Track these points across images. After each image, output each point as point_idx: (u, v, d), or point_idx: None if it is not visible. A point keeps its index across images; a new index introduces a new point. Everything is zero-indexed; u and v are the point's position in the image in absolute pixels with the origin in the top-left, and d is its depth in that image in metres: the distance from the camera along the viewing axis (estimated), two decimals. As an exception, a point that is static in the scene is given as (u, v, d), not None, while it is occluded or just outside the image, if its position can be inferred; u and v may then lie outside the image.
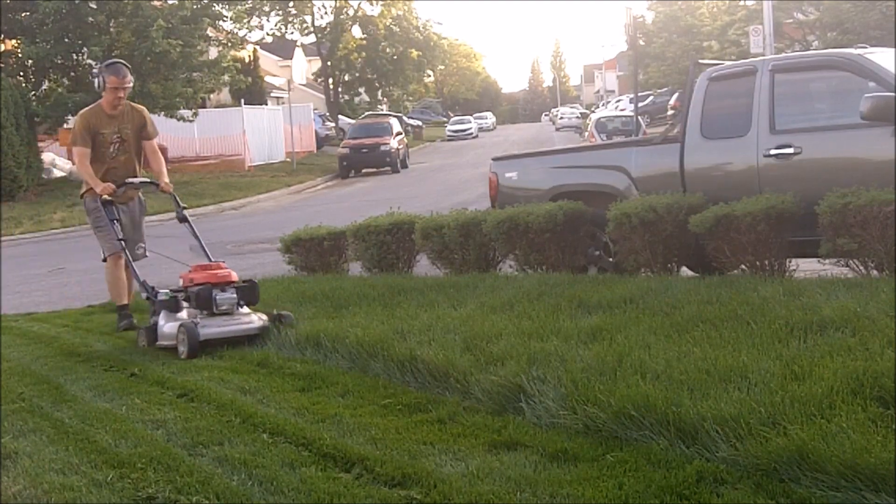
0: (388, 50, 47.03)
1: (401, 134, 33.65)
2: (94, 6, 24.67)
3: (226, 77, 27.58)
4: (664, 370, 3.79)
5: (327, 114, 45.72)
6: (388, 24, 47.24)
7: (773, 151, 6.49)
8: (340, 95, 47.82)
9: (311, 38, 47.23)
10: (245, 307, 6.12)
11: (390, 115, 40.81)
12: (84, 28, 24.54)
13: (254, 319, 5.99)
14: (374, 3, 46.77)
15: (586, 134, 29.89)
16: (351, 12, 46.44)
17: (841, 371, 3.47)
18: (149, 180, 7.43)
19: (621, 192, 7.23)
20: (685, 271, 7.02)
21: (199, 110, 28.49)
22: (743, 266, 6.23)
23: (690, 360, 3.90)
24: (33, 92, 25.08)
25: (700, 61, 7.87)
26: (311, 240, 8.79)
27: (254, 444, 3.76)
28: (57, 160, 26.87)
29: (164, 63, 24.76)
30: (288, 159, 32.94)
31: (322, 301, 6.66)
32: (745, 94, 6.76)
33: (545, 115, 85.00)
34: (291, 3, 43.86)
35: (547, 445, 3.42)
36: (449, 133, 55.03)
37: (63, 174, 26.19)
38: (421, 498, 3.05)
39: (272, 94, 41.99)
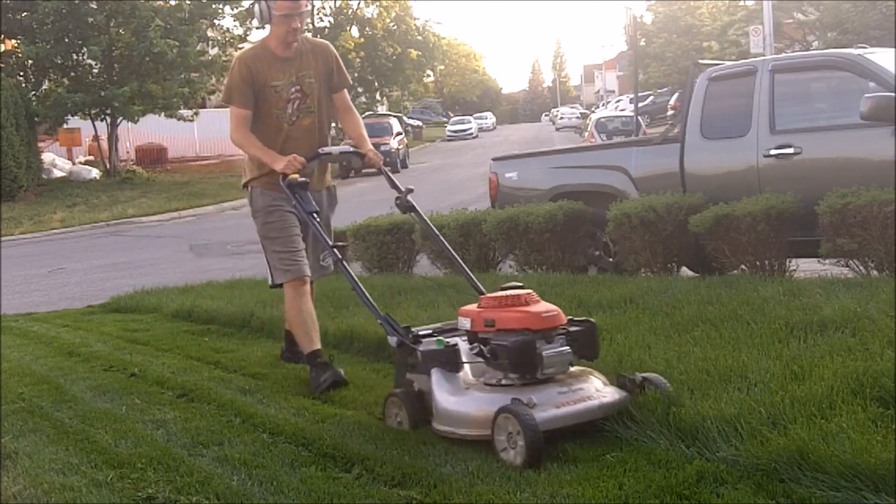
0: (387, 50, 47.02)
1: (401, 134, 33.68)
2: (94, 6, 24.69)
3: (225, 77, 27.59)
4: (664, 370, 3.79)
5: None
6: (386, 24, 47.23)
7: (773, 151, 6.50)
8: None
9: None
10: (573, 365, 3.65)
11: (390, 115, 40.81)
12: (84, 28, 24.55)
13: (603, 390, 3.54)
14: (371, 3, 46.75)
15: (586, 134, 29.89)
16: (350, 13, 46.43)
17: (841, 371, 3.47)
18: (352, 149, 4.92)
19: (621, 192, 7.23)
20: (685, 271, 7.03)
21: (199, 110, 28.51)
22: (743, 266, 6.23)
23: (690, 360, 3.90)
24: (33, 92, 25.10)
25: (700, 61, 7.87)
26: (311, 240, 8.78)
27: (254, 444, 3.76)
28: (57, 160, 26.87)
29: (162, 63, 24.76)
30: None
31: (322, 301, 6.64)
32: (745, 94, 6.76)
33: (545, 115, 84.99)
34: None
35: (547, 445, 3.41)
36: (449, 133, 55.06)
37: (63, 174, 26.19)
38: (421, 498, 3.05)
39: (272, 95, 41.95)
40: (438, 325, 4.06)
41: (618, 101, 53.21)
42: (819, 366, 3.60)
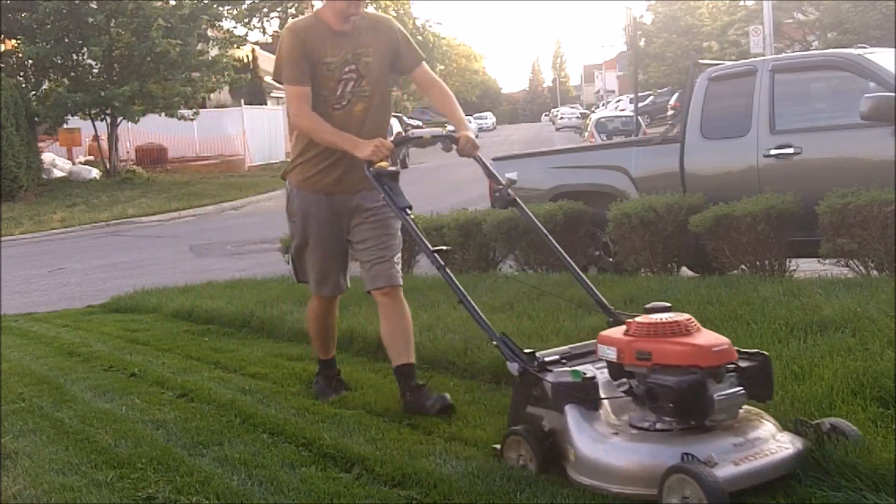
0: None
1: (401, 134, 33.68)
2: (95, 6, 24.68)
3: (226, 76, 27.59)
4: (664, 370, 3.79)
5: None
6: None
7: (773, 151, 6.49)
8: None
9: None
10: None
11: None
12: (84, 28, 24.54)
13: (780, 439, 2.90)
14: (371, 3, 46.77)
15: (586, 134, 29.89)
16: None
17: (841, 371, 3.48)
18: (445, 132, 4.47)
19: (621, 192, 7.24)
20: (685, 271, 7.03)
21: (200, 110, 28.50)
22: (743, 266, 6.23)
23: (690, 360, 3.89)
24: (33, 92, 25.08)
25: (700, 61, 7.87)
26: (311, 240, 8.78)
27: (254, 444, 3.76)
28: (57, 160, 26.86)
29: (163, 63, 24.77)
30: (288, 159, 32.87)
31: (322, 301, 6.64)
32: (745, 94, 6.76)
33: (545, 115, 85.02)
34: (291, 4, 43.84)
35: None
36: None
37: (63, 174, 26.19)
38: (421, 498, 3.05)
39: (272, 94, 41.95)
40: (565, 348, 3.38)
41: (618, 101, 53.21)
42: (819, 366, 3.60)
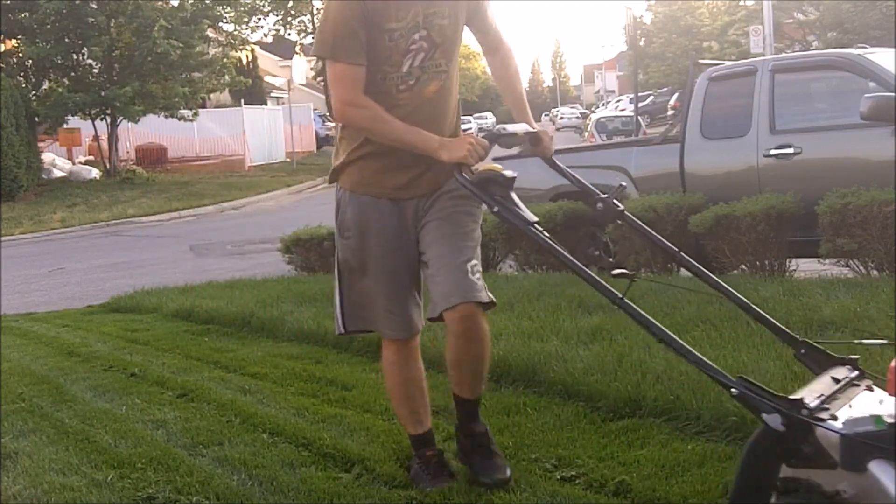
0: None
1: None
2: (95, 6, 24.68)
3: (226, 77, 27.60)
4: (664, 370, 3.79)
5: (327, 114, 45.69)
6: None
7: (773, 151, 6.50)
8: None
9: (311, 39, 47.21)
10: None
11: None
12: (84, 28, 24.54)
13: None
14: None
15: (586, 134, 29.88)
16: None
17: (841, 371, 3.47)
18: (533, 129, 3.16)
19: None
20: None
21: (199, 110, 28.49)
22: (743, 266, 6.23)
23: (690, 360, 3.90)
24: (33, 92, 25.08)
25: (700, 61, 7.88)
26: (311, 240, 8.79)
27: (254, 444, 3.75)
28: (57, 160, 26.86)
29: (164, 63, 24.77)
30: (288, 159, 32.94)
31: (322, 301, 6.65)
32: (745, 94, 6.76)
33: (545, 115, 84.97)
34: (290, 4, 43.84)
35: (549, 445, 3.42)
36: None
37: (63, 174, 26.18)
38: (421, 498, 3.05)
39: (272, 95, 42.00)
40: (814, 386, 2.42)
41: (618, 101, 53.19)
42: (819, 366, 3.59)
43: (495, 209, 2.77)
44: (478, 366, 3.14)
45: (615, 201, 2.96)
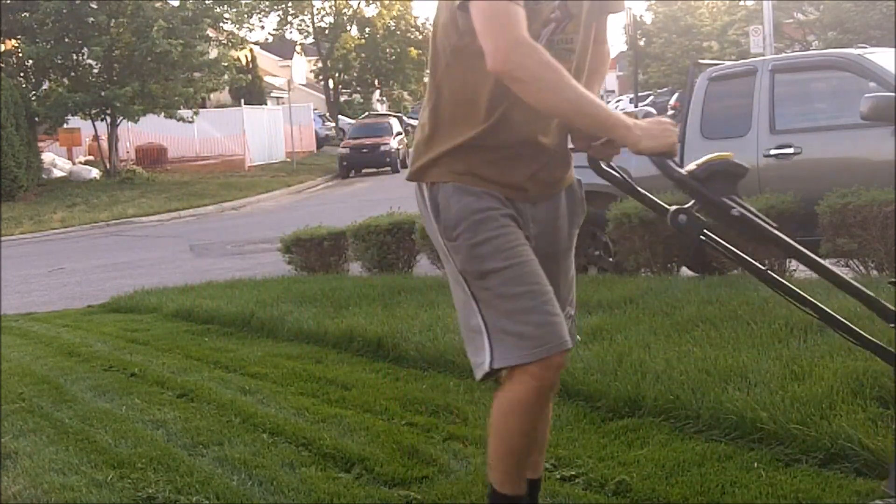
0: (387, 50, 47.03)
1: (401, 134, 33.64)
2: (95, 6, 24.68)
3: (226, 77, 27.60)
4: (664, 370, 3.79)
5: (327, 114, 45.73)
6: (386, 23, 47.24)
7: (773, 151, 6.50)
8: (340, 95, 47.88)
9: (311, 39, 47.26)
10: None
11: (390, 115, 40.79)
12: (84, 28, 24.54)
13: None
14: (371, 3, 46.78)
15: (586, 134, 29.85)
16: (349, 12, 46.44)
17: (841, 371, 3.47)
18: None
19: (621, 192, 7.24)
20: (685, 271, 7.02)
21: (199, 110, 28.50)
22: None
23: (690, 360, 3.90)
24: (33, 92, 25.08)
25: (700, 61, 7.88)
26: (311, 240, 8.80)
27: (254, 444, 3.75)
28: (57, 160, 26.86)
29: (164, 63, 24.77)
30: (288, 159, 32.94)
31: (322, 301, 6.66)
32: (745, 94, 6.76)
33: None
34: (290, 3, 43.85)
35: (549, 445, 3.42)
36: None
37: (63, 174, 26.18)
38: (421, 498, 3.05)
39: (272, 94, 41.99)
40: None
41: (618, 101, 53.16)
42: (819, 366, 3.60)
43: (735, 212, 2.18)
44: (546, 431, 2.54)
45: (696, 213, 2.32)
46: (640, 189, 2.48)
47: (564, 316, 2.33)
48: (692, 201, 2.28)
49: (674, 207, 2.31)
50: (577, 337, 2.46)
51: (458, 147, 2.24)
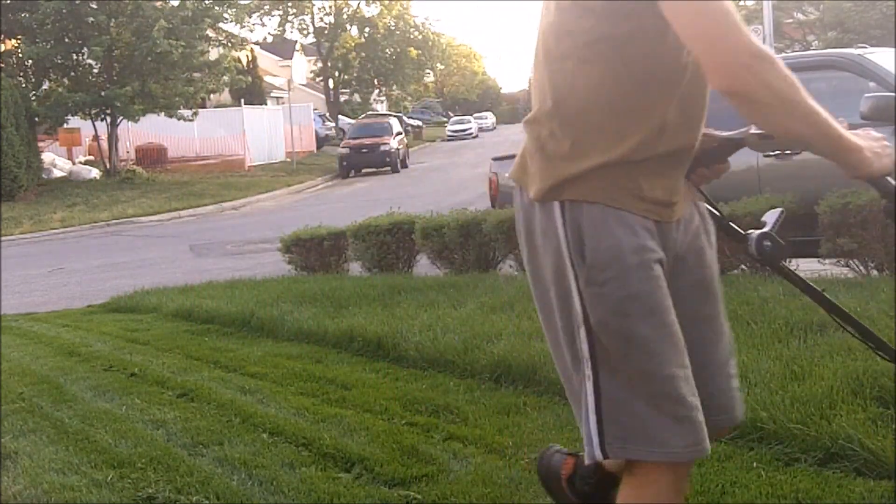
0: (387, 50, 47.06)
1: (401, 134, 33.67)
2: (95, 6, 24.69)
3: (226, 78, 27.61)
4: (664, 370, 3.79)
5: (327, 114, 45.74)
6: (386, 23, 47.26)
7: (773, 151, 6.49)
8: (340, 95, 47.90)
9: (311, 39, 47.27)
10: None
11: (390, 115, 40.82)
12: (84, 28, 24.55)
13: None
14: (372, 2, 46.79)
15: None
16: (350, 11, 46.45)
17: (841, 371, 3.47)
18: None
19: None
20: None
21: (199, 110, 28.50)
22: (743, 266, 6.23)
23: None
24: (33, 92, 25.09)
25: (700, 61, 7.86)
26: (311, 240, 8.80)
27: (254, 444, 3.75)
28: (57, 160, 26.86)
29: (164, 63, 24.78)
30: (288, 159, 32.94)
31: (322, 301, 6.66)
32: (745, 94, 6.76)
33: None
34: (290, 3, 43.86)
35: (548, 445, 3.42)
36: (449, 133, 55.02)
37: (63, 174, 26.19)
38: (421, 498, 3.05)
39: (272, 94, 42.00)
40: None
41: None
42: (819, 366, 3.60)
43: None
44: None
45: (769, 240, 2.11)
46: (719, 212, 2.19)
47: (728, 389, 1.94)
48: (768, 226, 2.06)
49: (756, 233, 2.06)
50: (741, 417, 1.98)
51: (617, 161, 1.78)
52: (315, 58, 49.92)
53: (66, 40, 25.03)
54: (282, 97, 40.52)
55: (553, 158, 1.84)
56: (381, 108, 52.22)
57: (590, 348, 1.76)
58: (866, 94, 5.96)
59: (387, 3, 47.10)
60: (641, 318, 1.74)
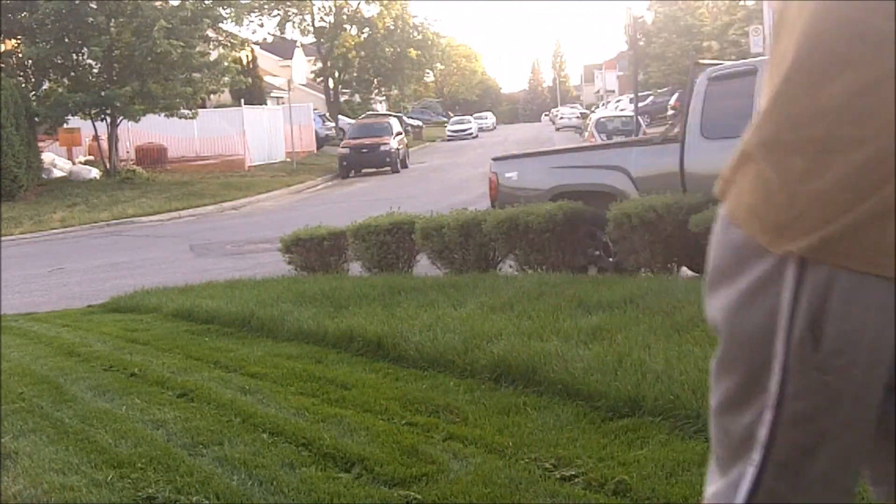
0: (387, 50, 47.04)
1: (401, 134, 33.66)
2: (94, 6, 24.69)
3: (226, 78, 27.61)
4: (664, 370, 3.79)
5: (327, 114, 45.73)
6: (386, 23, 47.26)
7: None
8: (340, 95, 47.91)
9: (311, 39, 47.27)
10: None
11: (390, 115, 40.81)
12: (84, 28, 24.54)
13: None
14: (372, 2, 46.78)
15: (586, 134, 29.88)
16: (350, 11, 46.45)
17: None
18: None
19: (621, 192, 7.24)
20: (685, 271, 7.03)
21: (199, 110, 28.49)
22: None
23: (690, 360, 3.90)
24: (33, 92, 25.08)
25: (700, 61, 7.88)
26: (311, 240, 8.80)
27: (254, 444, 3.75)
28: (57, 160, 26.86)
29: (164, 63, 24.79)
30: (288, 159, 32.94)
31: (322, 301, 6.66)
32: (745, 94, 6.76)
33: (545, 115, 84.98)
34: (290, 3, 43.85)
35: (549, 445, 3.42)
36: (449, 133, 55.03)
37: (63, 174, 26.19)
38: (421, 498, 3.05)
39: (272, 94, 41.99)
40: None
41: (618, 101, 53.18)
42: None
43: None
44: None
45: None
46: None
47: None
48: None
49: None
50: None
51: (872, 217, 1.20)
52: (315, 58, 49.92)
53: (66, 40, 25.02)
54: (282, 97, 40.51)
55: (795, 193, 1.31)
56: (381, 108, 52.19)
57: (761, 453, 1.38)
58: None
59: (386, 2, 47.07)
60: (842, 414, 1.31)
